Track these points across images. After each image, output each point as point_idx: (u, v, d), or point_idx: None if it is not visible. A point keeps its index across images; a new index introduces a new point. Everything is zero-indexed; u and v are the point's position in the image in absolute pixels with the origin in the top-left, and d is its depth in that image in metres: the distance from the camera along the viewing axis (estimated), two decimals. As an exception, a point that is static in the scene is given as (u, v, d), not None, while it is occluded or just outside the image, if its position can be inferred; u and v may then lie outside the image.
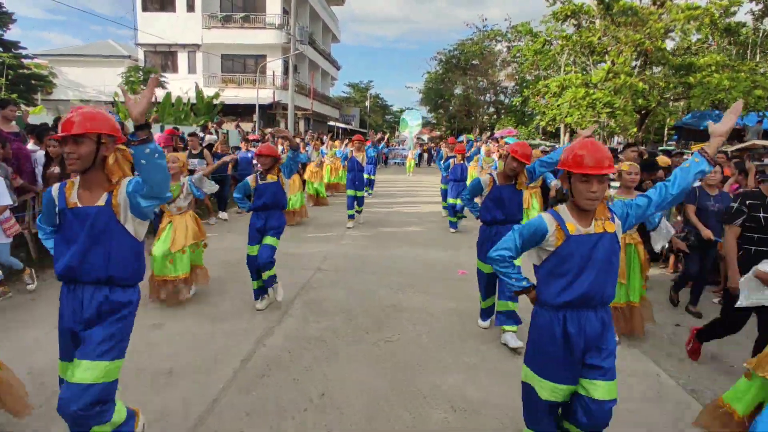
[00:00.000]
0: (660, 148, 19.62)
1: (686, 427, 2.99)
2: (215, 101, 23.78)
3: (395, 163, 28.95)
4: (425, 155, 30.11)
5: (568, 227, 2.16)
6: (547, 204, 7.77)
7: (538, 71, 32.54)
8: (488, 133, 39.66)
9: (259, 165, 4.80)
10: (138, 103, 1.98)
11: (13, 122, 6.18)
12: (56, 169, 5.74)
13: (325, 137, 23.94)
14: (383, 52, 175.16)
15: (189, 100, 22.32)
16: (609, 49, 15.68)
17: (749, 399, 2.51)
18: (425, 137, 38.56)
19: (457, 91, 39.52)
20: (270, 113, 27.35)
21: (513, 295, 3.93)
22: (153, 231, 5.12)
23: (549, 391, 2.24)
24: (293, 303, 4.97)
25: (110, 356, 2.12)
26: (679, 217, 5.93)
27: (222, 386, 3.27)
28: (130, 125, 8.93)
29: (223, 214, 9.63)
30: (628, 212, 2.25)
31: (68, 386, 2.08)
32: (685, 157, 10.37)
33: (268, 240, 4.77)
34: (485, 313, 4.50)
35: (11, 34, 24.14)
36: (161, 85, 23.31)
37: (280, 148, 13.62)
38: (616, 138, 26.41)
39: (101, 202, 2.15)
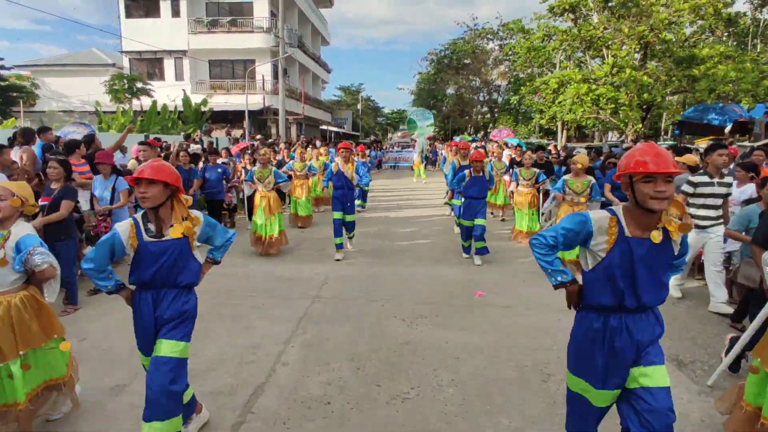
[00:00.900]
0: (658, 143, 18.99)
1: None
2: (203, 108, 22.89)
3: (391, 167, 27.97)
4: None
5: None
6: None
7: (531, 69, 32.01)
8: (482, 133, 39.22)
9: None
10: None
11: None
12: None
13: (318, 142, 23.17)
14: (374, 54, 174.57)
15: (176, 107, 21.42)
16: (610, 42, 14.96)
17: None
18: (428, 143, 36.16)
19: (450, 91, 38.85)
20: (261, 119, 26.47)
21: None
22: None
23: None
24: (288, 345, 4.15)
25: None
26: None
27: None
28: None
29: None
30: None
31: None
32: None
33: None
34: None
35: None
36: (147, 93, 22.38)
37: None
38: (610, 134, 25.78)
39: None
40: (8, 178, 4.93)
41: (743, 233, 4.16)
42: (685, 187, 5.09)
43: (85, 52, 29.95)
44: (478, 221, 7.06)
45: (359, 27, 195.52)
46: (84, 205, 5.82)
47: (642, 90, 13.49)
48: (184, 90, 23.04)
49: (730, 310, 4.74)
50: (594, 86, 14.65)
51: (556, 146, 17.19)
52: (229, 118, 25.00)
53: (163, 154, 8.55)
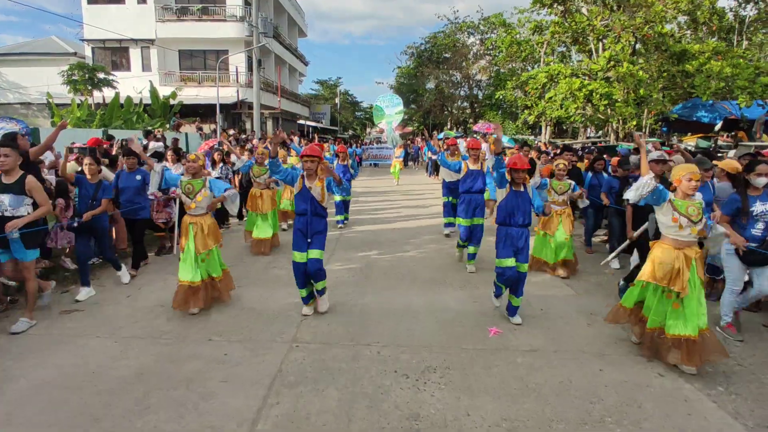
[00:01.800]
0: (649, 139, 18.34)
1: None
2: (172, 101, 21.29)
3: (371, 164, 26.80)
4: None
5: None
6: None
7: (514, 63, 31.15)
8: (461, 128, 38.32)
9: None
10: None
11: None
12: None
13: (296, 138, 21.83)
14: (350, 49, 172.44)
15: (141, 100, 19.79)
16: (603, 35, 14.09)
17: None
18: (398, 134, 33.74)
19: (430, 85, 37.76)
20: (235, 113, 24.93)
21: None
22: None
23: None
24: (255, 427, 3.01)
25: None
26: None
27: None
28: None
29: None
30: None
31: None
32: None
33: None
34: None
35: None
36: (109, 84, 20.63)
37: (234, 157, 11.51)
38: (589, 129, 25.10)
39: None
40: None
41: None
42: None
43: (44, 40, 27.77)
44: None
45: (335, 21, 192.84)
46: None
47: (638, 85, 12.66)
48: (150, 81, 21.36)
49: None
50: (586, 81, 13.76)
51: (546, 144, 16.34)
52: (200, 112, 23.42)
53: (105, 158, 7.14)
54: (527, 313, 4.92)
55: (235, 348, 4.08)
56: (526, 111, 16.64)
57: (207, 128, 21.67)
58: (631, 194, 3.88)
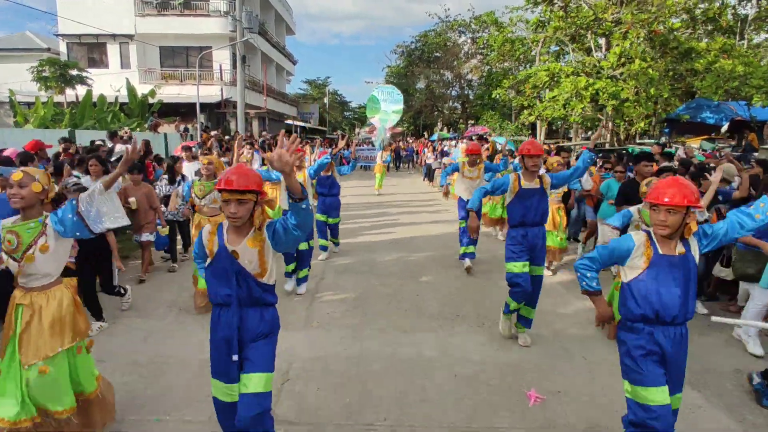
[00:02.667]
0: (639, 142, 17.47)
1: None
2: (151, 99, 19.95)
3: (361, 166, 25.25)
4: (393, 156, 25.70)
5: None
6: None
7: (506, 63, 30.25)
8: (450, 129, 37.36)
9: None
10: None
11: None
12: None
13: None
14: (339, 49, 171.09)
15: (117, 99, 18.44)
16: (608, 32, 13.15)
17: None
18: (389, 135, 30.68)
19: (420, 85, 36.69)
20: (219, 113, 23.63)
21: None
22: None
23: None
24: None
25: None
26: None
27: None
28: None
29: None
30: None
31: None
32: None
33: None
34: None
35: None
36: (83, 81, 19.23)
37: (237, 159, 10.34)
38: (580, 130, 24.27)
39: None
40: None
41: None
42: None
43: (17, 35, 26.15)
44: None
45: (324, 21, 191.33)
46: None
47: (650, 84, 11.73)
48: (128, 79, 19.97)
49: None
50: (592, 80, 12.80)
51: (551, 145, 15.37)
52: (182, 112, 22.08)
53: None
54: (569, 368, 3.86)
55: (199, 423, 2.95)
56: (525, 111, 15.63)
57: (191, 127, 20.36)
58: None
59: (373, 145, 24.74)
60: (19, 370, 2.48)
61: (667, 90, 12.20)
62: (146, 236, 5.86)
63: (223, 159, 7.23)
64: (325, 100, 54.01)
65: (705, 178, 5.42)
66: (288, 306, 5.00)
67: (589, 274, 2.61)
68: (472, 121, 34.57)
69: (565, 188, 6.66)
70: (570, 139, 23.82)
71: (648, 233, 2.48)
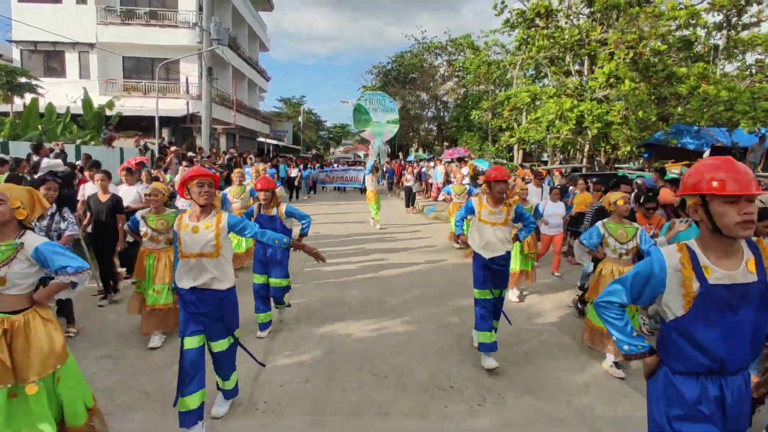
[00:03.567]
0: (617, 167, 16.97)
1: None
2: (109, 111, 18.41)
3: (337, 188, 22.61)
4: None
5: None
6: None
7: (482, 85, 29.89)
8: (427, 150, 36.78)
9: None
10: None
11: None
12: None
13: (252, 157, 19.26)
14: (315, 69, 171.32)
15: (69, 109, 16.87)
16: (592, 52, 12.54)
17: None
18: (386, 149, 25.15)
19: (396, 105, 36.04)
20: (184, 127, 22.15)
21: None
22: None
23: None
24: None
25: None
26: None
27: None
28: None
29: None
30: None
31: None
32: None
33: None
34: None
35: None
36: (31, 89, 17.56)
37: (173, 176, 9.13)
38: (555, 152, 23.83)
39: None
40: None
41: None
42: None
43: (-34, 40, 24.17)
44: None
45: (300, 40, 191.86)
46: None
47: (640, 106, 11.07)
48: (84, 89, 18.42)
49: None
50: (576, 101, 12.09)
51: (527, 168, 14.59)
52: (143, 125, 20.52)
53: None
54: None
55: None
56: (506, 133, 14.87)
57: (150, 143, 18.80)
58: None
59: (349, 166, 23.10)
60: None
61: (654, 113, 11.55)
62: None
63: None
64: (300, 118, 52.92)
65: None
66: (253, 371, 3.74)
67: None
68: (447, 143, 34.04)
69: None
70: (545, 162, 23.34)
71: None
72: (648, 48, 11.74)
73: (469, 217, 4.39)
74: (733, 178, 1.66)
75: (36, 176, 6.51)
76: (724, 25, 16.48)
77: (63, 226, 4.35)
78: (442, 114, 34.91)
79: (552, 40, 12.96)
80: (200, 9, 22.51)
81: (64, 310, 4.56)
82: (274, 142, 40.08)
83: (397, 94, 34.17)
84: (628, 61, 11.45)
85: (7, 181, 5.05)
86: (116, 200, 5.56)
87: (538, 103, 15.80)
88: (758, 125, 11.83)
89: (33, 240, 2.42)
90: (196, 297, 2.99)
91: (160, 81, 23.09)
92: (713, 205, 1.69)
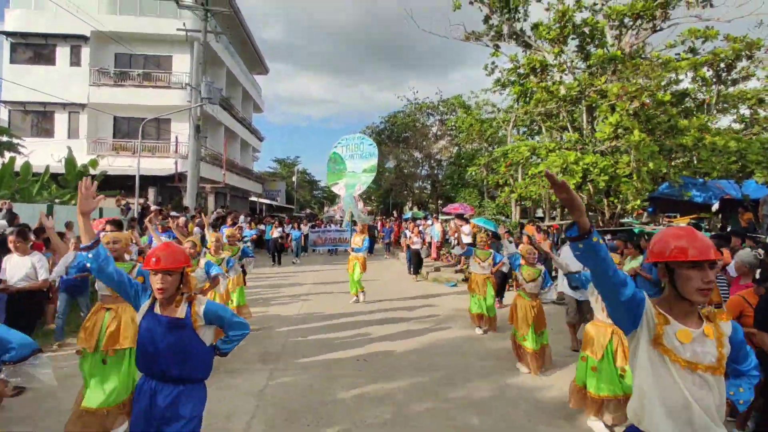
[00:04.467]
0: (621, 222, 16.12)
1: None
2: (93, 170, 17.59)
3: (329, 251, 19.73)
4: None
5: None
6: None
7: (475, 143, 29.76)
8: (420, 208, 36.19)
9: None
10: None
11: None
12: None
13: (242, 218, 18.25)
14: (309, 130, 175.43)
15: (48, 168, 16.02)
16: (593, 103, 12.02)
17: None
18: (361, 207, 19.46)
19: (390, 164, 35.78)
20: (171, 186, 21.32)
21: None
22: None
23: None
24: None
25: None
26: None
27: None
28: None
29: None
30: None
31: None
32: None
33: None
34: None
35: None
36: (12, 147, 16.77)
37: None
38: (549, 208, 23.07)
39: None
40: None
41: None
42: None
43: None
44: None
45: (295, 104, 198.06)
46: None
47: (652, 157, 10.34)
48: (69, 148, 17.69)
49: None
50: (580, 154, 11.38)
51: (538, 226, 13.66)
52: (130, 185, 19.65)
53: None
54: None
55: None
56: (506, 188, 14.09)
57: (132, 203, 17.80)
58: None
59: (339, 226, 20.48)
60: None
61: (664, 165, 10.82)
62: None
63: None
64: (294, 178, 52.74)
65: None
66: None
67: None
68: (442, 201, 33.47)
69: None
70: (541, 219, 22.52)
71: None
72: (650, 99, 11.19)
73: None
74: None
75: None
76: (714, 80, 16.31)
77: None
78: (435, 172, 34.60)
79: (550, 93, 12.45)
80: (196, 71, 22.45)
81: None
82: (267, 201, 39.39)
83: (391, 153, 33.99)
84: (631, 112, 10.84)
85: None
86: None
87: (533, 158, 15.20)
88: (772, 176, 11.13)
89: None
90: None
91: (149, 140, 22.62)
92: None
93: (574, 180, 10.68)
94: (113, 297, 3.77)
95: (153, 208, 13.70)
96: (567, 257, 5.07)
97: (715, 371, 1.80)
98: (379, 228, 22.50)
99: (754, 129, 16.53)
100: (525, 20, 15.56)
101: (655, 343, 1.83)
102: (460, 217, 13.90)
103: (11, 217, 6.95)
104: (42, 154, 19.27)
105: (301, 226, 19.51)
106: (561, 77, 13.72)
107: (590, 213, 21.19)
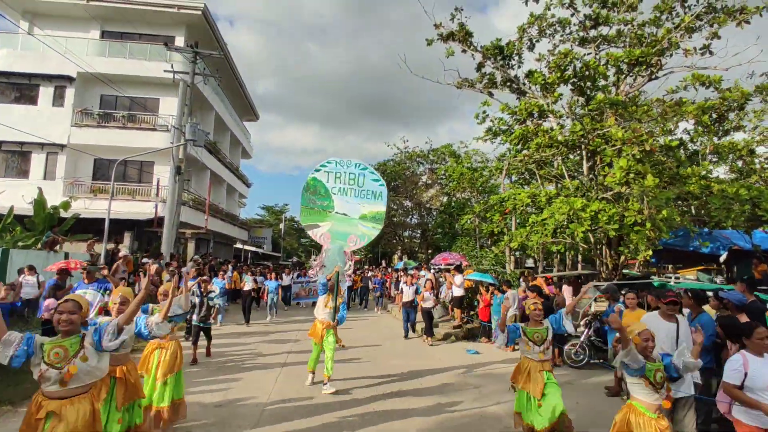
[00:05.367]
0: (624, 273, 15.22)
1: None
2: (64, 213, 16.35)
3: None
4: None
5: None
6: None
7: (466, 192, 29.28)
8: (408, 257, 35.12)
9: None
10: None
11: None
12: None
13: (228, 267, 16.80)
14: (300, 179, 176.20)
15: (11, 209, 14.79)
16: (598, 149, 11.39)
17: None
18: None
19: (379, 212, 34.96)
20: (150, 231, 20.05)
21: None
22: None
23: None
24: None
25: None
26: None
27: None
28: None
29: None
30: None
31: None
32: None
33: None
34: None
35: None
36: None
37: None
38: (547, 259, 22.19)
39: None
40: None
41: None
42: None
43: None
44: None
45: (284, 153, 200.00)
46: None
47: (667, 203, 9.58)
48: (39, 188, 16.52)
49: None
50: (584, 201, 10.58)
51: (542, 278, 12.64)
52: (101, 229, 18.36)
53: None
54: None
55: None
56: (505, 237, 13.17)
57: (98, 248, 16.41)
58: None
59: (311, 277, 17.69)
60: None
61: (676, 213, 10.04)
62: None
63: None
64: (281, 225, 51.60)
65: None
66: None
67: None
68: (431, 251, 32.52)
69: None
70: (533, 269, 21.53)
71: None
72: (657, 144, 10.58)
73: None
74: None
75: None
76: (704, 131, 16.02)
77: None
78: (425, 221, 33.87)
79: (551, 138, 11.85)
80: (182, 113, 21.80)
81: None
82: (253, 249, 38.04)
83: (380, 201, 33.30)
84: (638, 157, 10.18)
85: None
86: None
87: (530, 209, 14.42)
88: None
89: None
90: None
91: (130, 183, 21.56)
92: None
93: (583, 228, 9.80)
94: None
95: (121, 254, 12.44)
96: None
97: None
98: (372, 277, 20.66)
99: (752, 178, 16.13)
100: (519, 67, 15.32)
101: None
102: (457, 268, 12.86)
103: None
104: (12, 194, 18.07)
105: (283, 275, 18.04)
106: (559, 123, 13.21)
107: (589, 264, 20.21)
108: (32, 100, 20.81)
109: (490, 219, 17.74)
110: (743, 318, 5.29)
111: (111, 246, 14.89)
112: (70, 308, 3.05)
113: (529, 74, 14.55)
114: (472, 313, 12.66)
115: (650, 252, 10.53)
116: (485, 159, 30.63)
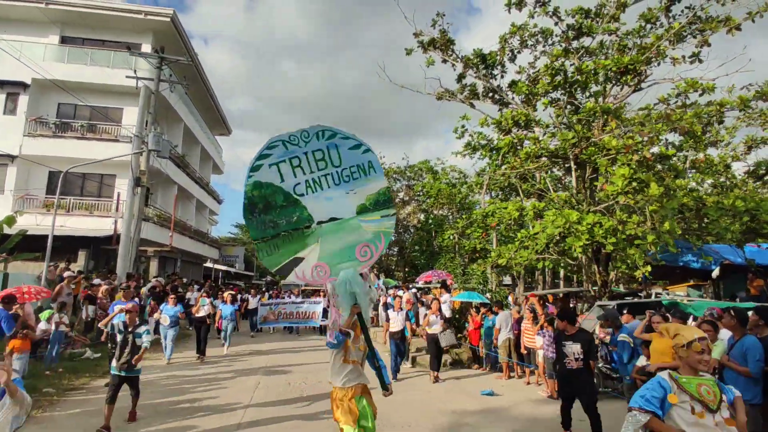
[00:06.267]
0: (612, 290, 14.56)
1: None
2: (8, 229, 14.64)
3: (285, 328, 16.13)
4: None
5: None
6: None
7: (444, 208, 28.57)
8: (383, 275, 33.98)
9: None
10: None
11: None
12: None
13: (195, 291, 15.14)
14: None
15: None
16: (591, 157, 10.70)
17: None
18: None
19: (355, 229, 33.82)
20: (107, 249, 18.36)
21: None
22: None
23: None
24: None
25: None
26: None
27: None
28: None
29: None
30: None
31: None
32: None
33: None
34: None
35: None
36: None
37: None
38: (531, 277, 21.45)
39: None
40: None
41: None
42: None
43: None
44: None
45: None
46: None
47: (673, 214, 8.86)
48: (-19, 202, 14.78)
49: None
50: (579, 214, 9.79)
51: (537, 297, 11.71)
52: (56, 246, 16.64)
53: None
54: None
55: None
56: (492, 254, 12.29)
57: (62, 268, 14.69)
58: None
59: (305, 297, 16.32)
60: None
61: (678, 226, 9.35)
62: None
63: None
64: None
65: None
66: None
67: None
68: (408, 269, 31.51)
69: None
70: (511, 287, 20.75)
71: None
72: (652, 152, 9.95)
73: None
74: None
75: None
76: (694, 142, 15.72)
77: None
78: (403, 238, 32.89)
79: (540, 147, 11.11)
80: (146, 124, 20.36)
81: None
82: (224, 267, 36.22)
83: (357, 218, 32.20)
84: (633, 166, 9.49)
85: None
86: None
87: (515, 224, 13.64)
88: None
89: None
90: None
91: (89, 198, 19.87)
92: None
93: (581, 243, 8.96)
94: None
95: (66, 274, 10.94)
96: None
97: None
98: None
99: (734, 192, 15.86)
100: (502, 77, 14.72)
101: None
102: (444, 286, 11.86)
103: None
104: (-46, 210, 16.27)
105: (249, 297, 16.45)
106: (546, 133, 12.55)
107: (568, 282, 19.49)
108: (-20, 109, 19.07)
109: (470, 235, 16.92)
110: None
111: (62, 265, 13.28)
112: None
113: (513, 84, 13.96)
114: (460, 336, 11.61)
115: (649, 268, 9.76)
116: (463, 175, 30.04)
